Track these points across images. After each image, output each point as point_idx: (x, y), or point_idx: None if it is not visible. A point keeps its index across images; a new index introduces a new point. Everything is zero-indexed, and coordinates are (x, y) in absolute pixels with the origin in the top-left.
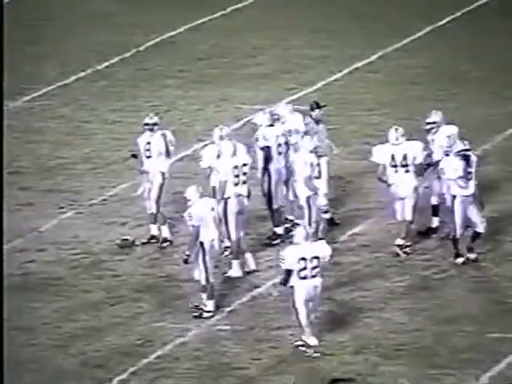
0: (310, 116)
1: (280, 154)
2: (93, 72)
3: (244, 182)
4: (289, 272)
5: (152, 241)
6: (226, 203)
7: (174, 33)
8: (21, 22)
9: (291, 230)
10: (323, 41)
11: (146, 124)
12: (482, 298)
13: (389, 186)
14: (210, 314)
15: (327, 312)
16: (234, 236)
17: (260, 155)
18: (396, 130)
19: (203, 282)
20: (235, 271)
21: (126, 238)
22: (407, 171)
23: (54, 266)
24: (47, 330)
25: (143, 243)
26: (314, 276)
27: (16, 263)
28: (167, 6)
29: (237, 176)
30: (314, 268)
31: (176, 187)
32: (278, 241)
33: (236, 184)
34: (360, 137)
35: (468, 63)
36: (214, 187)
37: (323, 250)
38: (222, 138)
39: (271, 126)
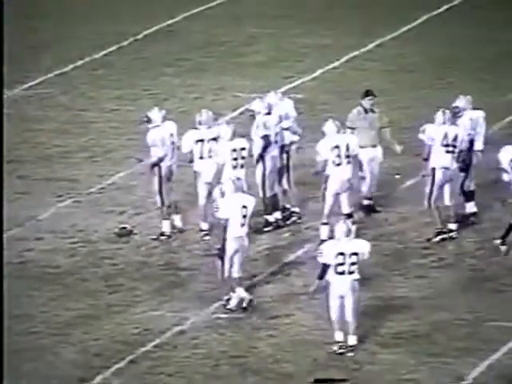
0: (360, 104)
1: (276, 142)
2: (91, 60)
3: (242, 166)
4: (325, 266)
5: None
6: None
7: (171, 21)
8: (19, 11)
9: (288, 218)
10: (321, 29)
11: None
12: (480, 287)
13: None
14: (235, 308)
15: (324, 301)
16: None
17: (258, 143)
18: (444, 112)
19: (226, 274)
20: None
21: (124, 226)
22: (452, 152)
23: (52, 254)
24: (45, 319)
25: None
26: (351, 272)
27: (14, 252)
28: None
29: (235, 159)
30: (352, 264)
31: (174, 176)
32: (269, 228)
33: (234, 167)
34: None
35: (465, 52)
36: (195, 172)
37: (362, 246)
38: (200, 122)
39: (269, 114)
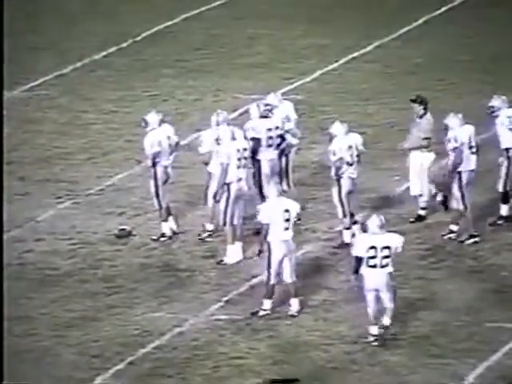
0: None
1: (270, 146)
2: (90, 62)
3: (244, 166)
4: (359, 260)
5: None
6: (228, 188)
7: (171, 22)
8: (18, 12)
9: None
10: (320, 30)
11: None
12: (480, 288)
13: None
14: (266, 313)
15: (323, 301)
16: (234, 221)
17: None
18: (455, 114)
19: (272, 281)
20: (230, 257)
21: (123, 227)
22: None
23: (52, 255)
24: (44, 320)
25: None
26: (383, 266)
27: (13, 253)
28: None
29: (239, 159)
30: (384, 257)
31: (172, 177)
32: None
33: (238, 167)
34: (357, 127)
35: (466, 52)
36: (210, 173)
37: (395, 239)
38: (218, 123)
39: (263, 117)
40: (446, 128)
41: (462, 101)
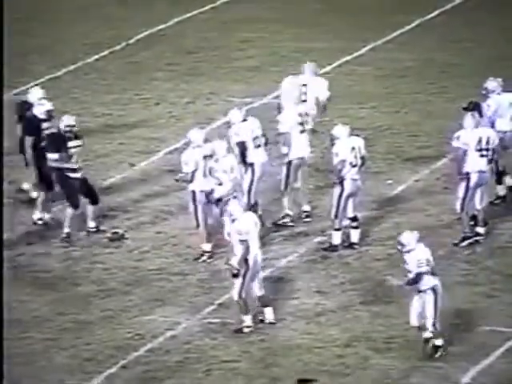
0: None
1: (259, 146)
2: (83, 65)
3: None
4: (420, 275)
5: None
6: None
7: (163, 26)
8: (10, 15)
9: (307, 216)
10: (312, 34)
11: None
12: (472, 291)
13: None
14: (250, 329)
15: (316, 304)
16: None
17: (236, 150)
18: (473, 116)
19: (235, 297)
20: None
21: (116, 231)
22: (486, 156)
23: (44, 259)
24: (37, 324)
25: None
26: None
27: (6, 256)
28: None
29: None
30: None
31: (165, 180)
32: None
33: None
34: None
35: (458, 56)
36: (193, 192)
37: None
38: (206, 140)
39: (244, 120)
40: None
41: (454, 104)
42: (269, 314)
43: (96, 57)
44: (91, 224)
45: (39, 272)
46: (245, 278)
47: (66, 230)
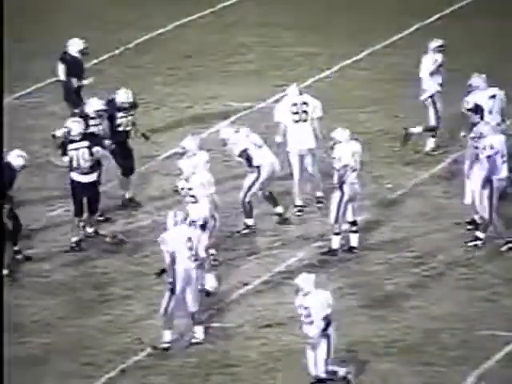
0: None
1: (260, 147)
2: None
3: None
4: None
5: None
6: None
7: (162, 30)
8: (10, 19)
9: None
10: (312, 38)
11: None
12: (471, 296)
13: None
14: (168, 345)
15: None
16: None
17: (242, 160)
18: (486, 123)
19: (161, 311)
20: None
21: (115, 235)
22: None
23: (44, 263)
24: (36, 328)
25: None
26: None
27: (5, 261)
28: (156, 3)
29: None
30: None
31: (164, 185)
32: (246, 231)
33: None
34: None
35: (456, 61)
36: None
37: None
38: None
39: (236, 132)
40: (480, 136)
41: (453, 108)
42: (198, 332)
43: (95, 61)
44: (89, 230)
45: (38, 276)
46: (172, 292)
47: (75, 238)
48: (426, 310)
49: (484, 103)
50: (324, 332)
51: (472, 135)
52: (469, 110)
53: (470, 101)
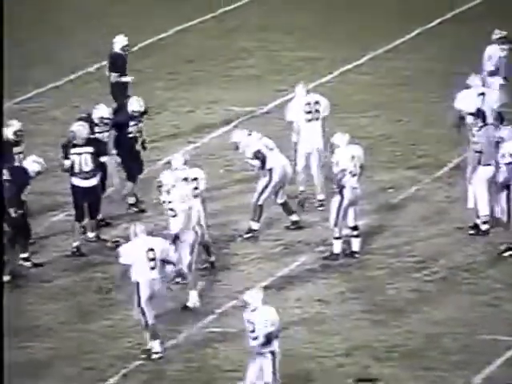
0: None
1: (272, 149)
2: (84, 74)
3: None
4: (270, 335)
5: None
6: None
7: (164, 35)
8: (11, 23)
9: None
10: (313, 43)
11: None
12: (473, 300)
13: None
14: (159, 355)
15: (316, 314)
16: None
17: (254, 162)
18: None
19: (142, 325)
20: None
21: (116, 239)
22: None
23: (45, 268)
24: (38, 333)
25: None
26: None
27: (7, 266)
28: (157, 8)
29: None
30: None
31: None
32: (249, 235)
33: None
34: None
35: (458, 65)
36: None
37: None
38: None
39: (249, 135)
40: (500, 141)
41: (455, 113)
42: (155, 346)
43: (97, 66)
44: (90, 235)
45: (40, 281)
46: (139, 304)
47: (75, 243)
48: (428, 315)
49: (472, 102)
50: (267, 348)
51: (474, 140)
52: (470, 114)
53: (460, 99)
